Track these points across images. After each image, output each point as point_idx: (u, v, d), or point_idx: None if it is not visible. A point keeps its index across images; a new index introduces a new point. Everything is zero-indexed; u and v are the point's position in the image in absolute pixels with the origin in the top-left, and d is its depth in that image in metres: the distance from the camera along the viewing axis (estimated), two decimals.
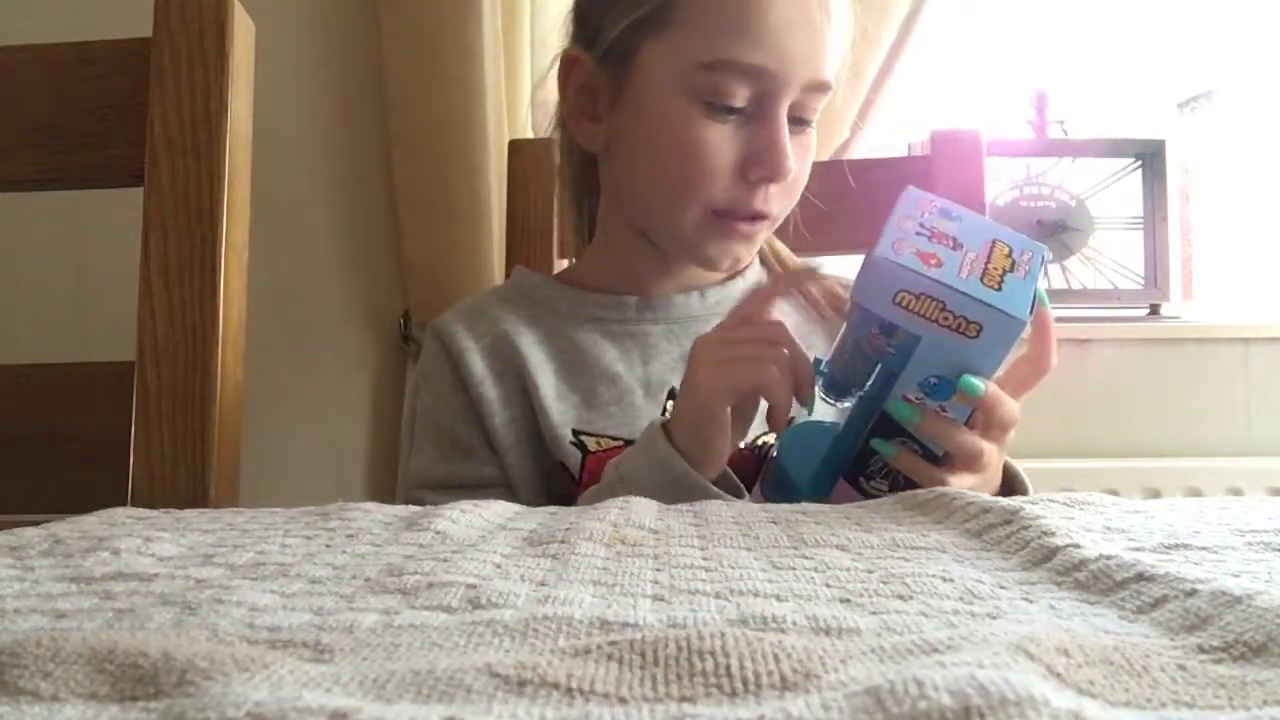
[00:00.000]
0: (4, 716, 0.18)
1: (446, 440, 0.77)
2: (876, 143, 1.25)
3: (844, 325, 0.60)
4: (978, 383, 0.55)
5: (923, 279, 0.53)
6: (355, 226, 1.26)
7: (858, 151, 1.19)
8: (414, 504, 0.77)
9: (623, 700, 0.19)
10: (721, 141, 0.70)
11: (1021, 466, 0.70)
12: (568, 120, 0.79)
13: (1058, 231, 1.53)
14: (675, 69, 0.70)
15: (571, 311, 0.80)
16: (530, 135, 1.16)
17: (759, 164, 0.70)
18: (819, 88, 0.71)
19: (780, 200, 0.74)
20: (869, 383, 0.59)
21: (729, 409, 0.62)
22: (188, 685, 0.19)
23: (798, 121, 0.72)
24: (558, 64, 0.78)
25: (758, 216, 0.73)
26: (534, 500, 0.74)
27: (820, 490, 0.63)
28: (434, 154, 1.16)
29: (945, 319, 0.53)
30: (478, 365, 0.77)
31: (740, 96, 0.69)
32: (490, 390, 0.76)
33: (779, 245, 0.88)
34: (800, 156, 0.73)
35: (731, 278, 0.83)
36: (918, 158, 0.97)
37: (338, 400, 1.26)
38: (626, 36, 0.72)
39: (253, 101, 0.77)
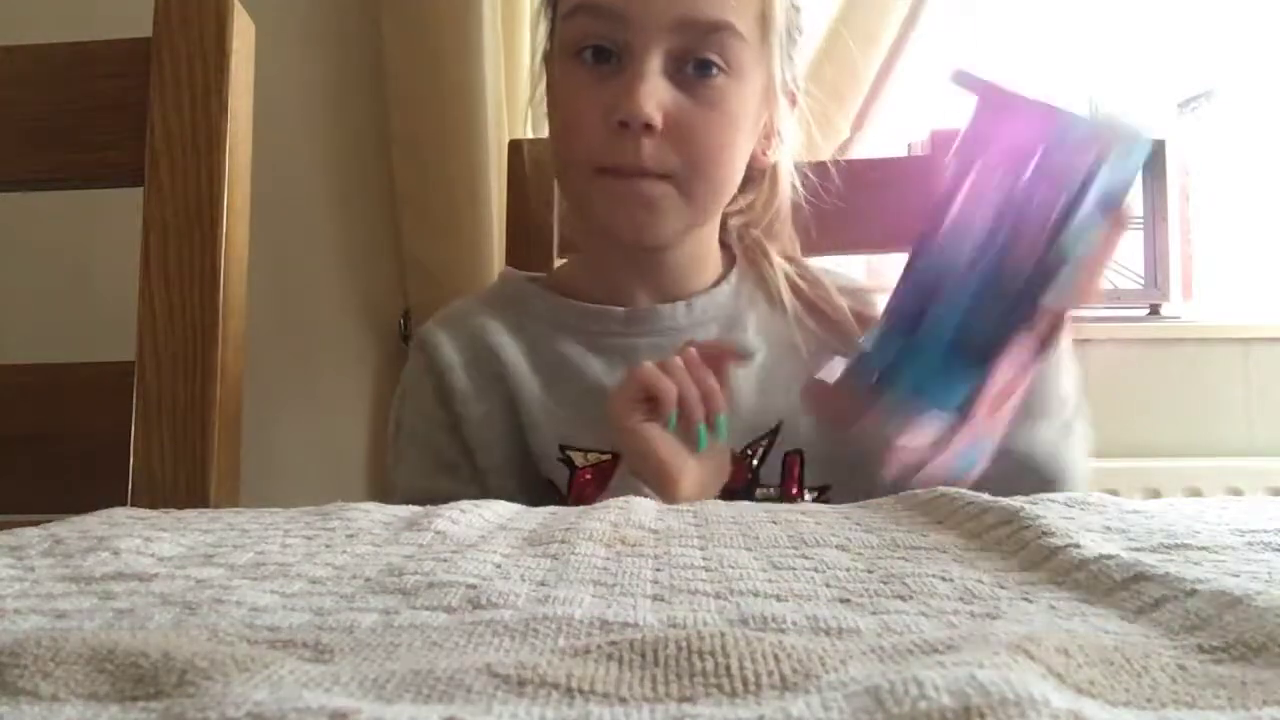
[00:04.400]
0: (4, 716, 0.18)
1: (430, 455, 0.76)
2: (876, 143, 1.25)
3: (914, 255, 0.55)
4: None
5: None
6: (355, 226, 1.26)
7: (858, 152, 1.19)
8: None
9: (623, 700, 0.19)
10: (587, 91, 0.68)
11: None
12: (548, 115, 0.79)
13: None
14: (558, 29, 0.71)
15: (558, 321, 0.78)
16: (530, 135, 1.17)
17: (615, 109, 0.67)
18: (705, 27, 0.67)
19: (667, 155, 0.68)
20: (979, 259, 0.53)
21: (636, 419, 0.62)
22: (188, 685, 0.19)
23: (702, 66, 0.68)
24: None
25: (643, 173, 0.69)
26: None
27: (951, 397, 0.55)
28: (434, 154, 1.16)
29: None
30: (461, 381, 0.75)
31: (601, 41, 0.67)
32: (474, 409, 0.74)
33: (768, 245, 0.84)
34: (697, 107, 0.68)
35: (717, 284, 0.80)
36: (918, 158, 0.97)
37: (338, 400, 1.25)
38: (552, 18, 0.74)
39: (253, 101, 0.77)
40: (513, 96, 1.20)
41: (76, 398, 0.75)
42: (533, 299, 0.80)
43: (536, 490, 0.74)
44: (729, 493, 0.69)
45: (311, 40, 1.24)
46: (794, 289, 0.80)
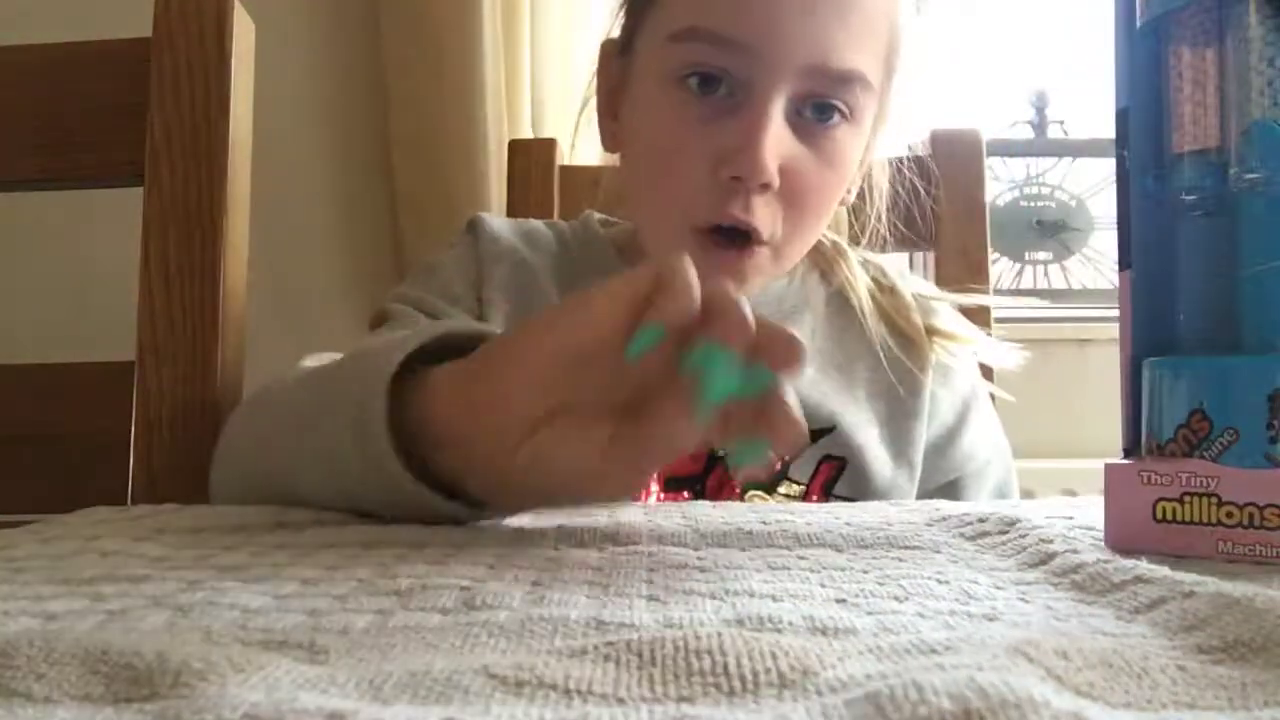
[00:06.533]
0: None
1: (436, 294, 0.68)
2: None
3: None
4: None
5: None
6: (355, 226, 1.26)
7: None
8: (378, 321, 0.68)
9: (621, 701, 0.19)
10: (691, 130, 0.59)
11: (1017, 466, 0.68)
12: (599, 118, 0.71)
13: (1058, 231, 1.53)
14: (654, 47, 0.62)
15: None
16: (530, 135, 1.17)
17: (728, 160, 0.58)
18: (836, 76, 0.59)
19: (777, 217, 0.61)
20: None
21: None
22: (183, 687, 0.19)
23: (822, 109, 0.61)
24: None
25: (748, 238, 0.60)
26: None
27: None
28: (434, 154, 1.16)
29: None
30: (499, 284, 0.69)
31: (714, 70, 0.58)
32: (500, 318, 0.67)
33: (845, 247, 0.75)
34: (814, 162, 0.61)
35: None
36: (917, 157, 0.97)
37: None
38: (631, 18, 0.65)
39: (253, 101, 0.77)
40: (513, 96, 1.20)
41: (76, 398, 0.75)
42: (598, 261, 0.72)
43: None
44: (687, 479, 0.65)
45: (311, 40, 1.24)
46: (872, 297, 0.73)
